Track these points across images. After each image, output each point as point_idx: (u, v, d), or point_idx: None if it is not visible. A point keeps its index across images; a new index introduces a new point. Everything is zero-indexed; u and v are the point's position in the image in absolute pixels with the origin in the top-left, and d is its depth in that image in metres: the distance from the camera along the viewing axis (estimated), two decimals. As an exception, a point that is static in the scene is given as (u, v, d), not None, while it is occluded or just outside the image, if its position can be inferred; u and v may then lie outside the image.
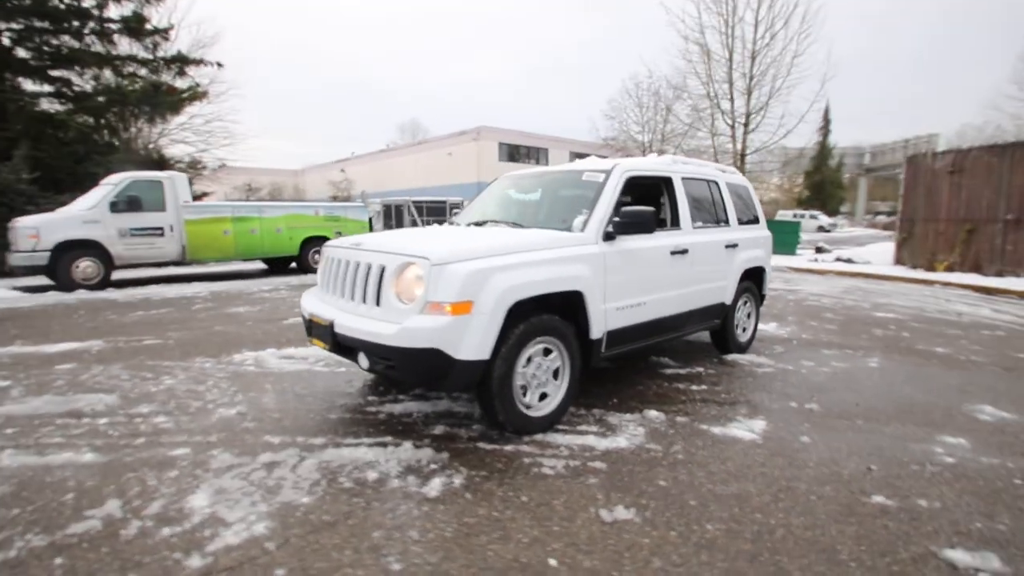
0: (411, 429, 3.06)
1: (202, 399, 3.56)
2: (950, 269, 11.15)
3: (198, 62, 15.35)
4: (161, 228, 9.43)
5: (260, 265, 12.71)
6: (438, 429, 3.06)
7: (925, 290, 9.60)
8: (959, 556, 1.96)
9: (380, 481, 2.46)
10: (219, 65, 15.51)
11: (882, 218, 42.53)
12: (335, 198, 27.43)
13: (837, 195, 45.51)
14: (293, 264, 11.91)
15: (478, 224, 3.78)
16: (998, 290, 9.16)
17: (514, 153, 34.26)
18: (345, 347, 2.87)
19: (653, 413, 3.32)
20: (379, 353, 2.66)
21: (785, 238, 17.44)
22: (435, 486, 2.42)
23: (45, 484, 2.43)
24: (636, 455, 2.77)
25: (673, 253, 3.82)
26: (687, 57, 17.78)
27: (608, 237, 3.33)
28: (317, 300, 3.35)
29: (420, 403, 3.47)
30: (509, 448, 2.82)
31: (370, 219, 12.86)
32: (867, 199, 47.34)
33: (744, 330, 4.91)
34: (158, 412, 3.33)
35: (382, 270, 2.81)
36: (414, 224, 23.57)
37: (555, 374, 3.07)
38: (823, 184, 43.58)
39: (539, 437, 2.95)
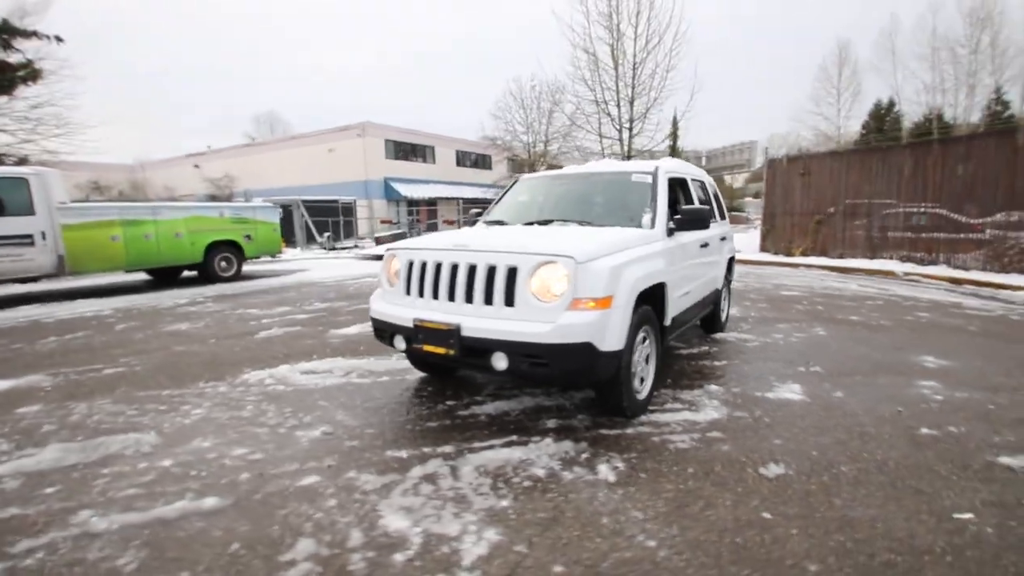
0: (525, 426, 3.11)
1: (263, 425, 3.19)
2: (804, 254, 13.59)
3: (28, 34, 12.57)
4: (30, 236, 7.71)
5: (143, 276, 10.92)
6: (551, 423, 3.16)
7: (795, 272, 11.64)
8: (1012, 461, 2.66)
9: (552, 475, 2.53)
10: (59, 40, 12.87)
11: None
12: (214, 197, 24.28)
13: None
14: (192, 272, 10.48)
15: (542, 223, 3.88)
16: (848, 269, 11.46)
17: (401, 150, 33.34)
18: (474, 350, 2.84)
19: (713, 387, 3.77)
20: (527, 352, 2.70)
21: None
22: (605, 472, 2.56)
23: (191, 540, 2.08)
24: (734, 422, 3.17)
25: (701, 246, 4.31)
26: (575, 64, 19.03)
27: (670, 232, 3.69)
28: (406, 307, 3.21)
29: (506, 402, 3.50)
30: (630, 431, 3.04)
31: (280, 221, 11.78)
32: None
33: (723, 311, 5.64)
34: (226, 443, 2.93)
35: (511, 271, 2.83)
36: (308, 227, 21.84)
37: (646, 359, 3.34)
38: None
39: (645, 418, 3.21)
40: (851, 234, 12.81)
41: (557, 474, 2.54)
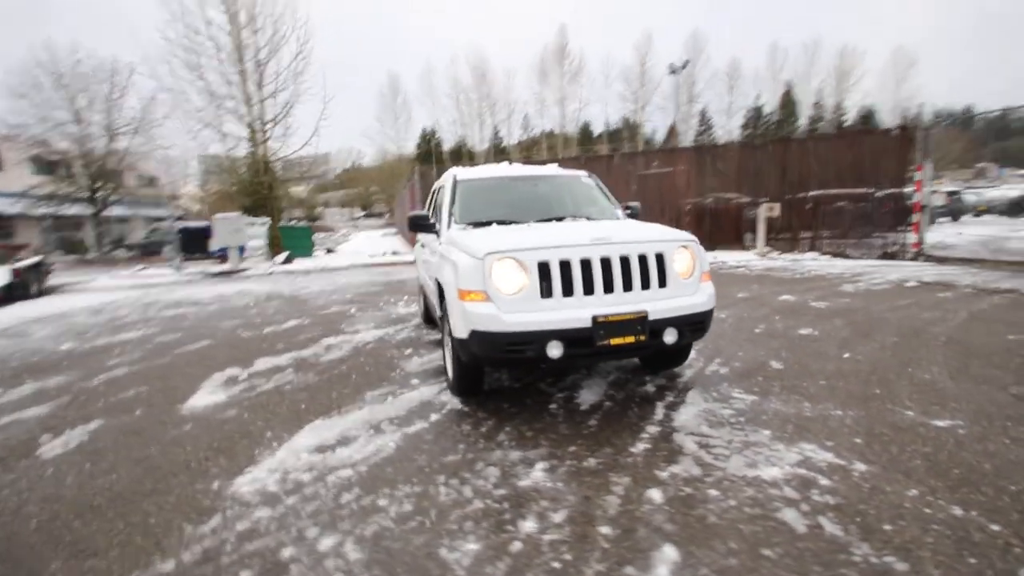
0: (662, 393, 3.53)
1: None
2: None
3: None
4: None
5: None
6: (652, 387, 3.67)
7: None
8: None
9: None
10: None
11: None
12: None
13: (274, 203, 49.31)
14: None
15: (556, 219, 4.06)
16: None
17: None
18: (654, 331, 3.09)
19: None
20: (693, 321, 3.22)
21: (301, 242, 19.19)
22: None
23: None
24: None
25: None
26: (186, 44, 15.74)
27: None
28: (554, 310, 3.00)
29: (591, 391, 3.70)
30: (689, 371, 3.95)
31: None
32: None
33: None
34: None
35: (659, 256, 3.23)
36: None
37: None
38: (259, 191, 46.11)
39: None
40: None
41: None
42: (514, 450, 2.83)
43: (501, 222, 3.97)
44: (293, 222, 36.17)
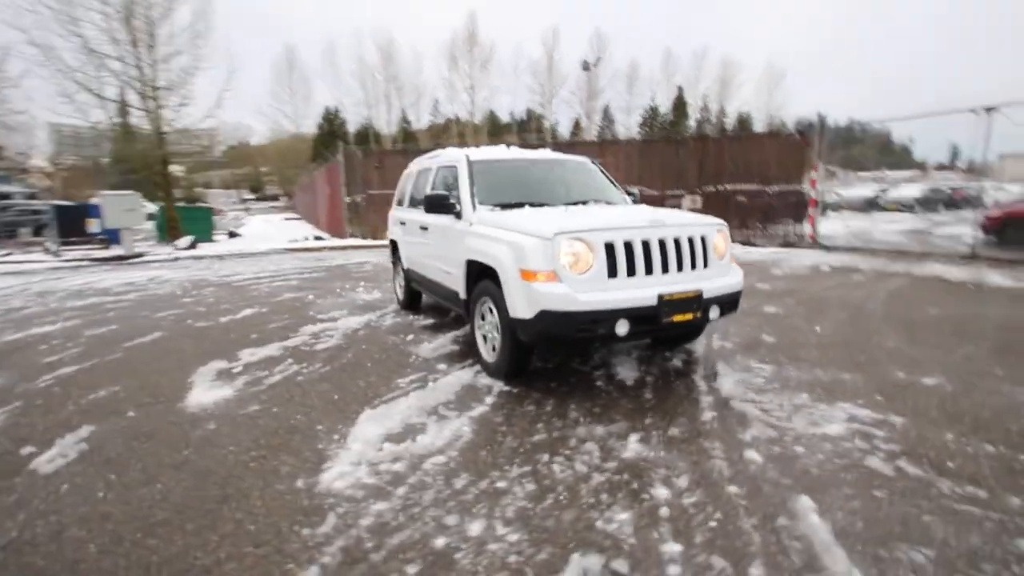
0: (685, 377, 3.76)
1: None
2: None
3: None
4: None
5: None
6: (679, 362, 3.92)
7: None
8: (770, 310, 5.70)
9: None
10: None
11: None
12: None
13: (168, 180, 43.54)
14: None
15: (581, 203, 4.13)
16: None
17: None
18: (704, 309, 3.31)
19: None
20: (732, 300, 3.50)
21: (201, 225, 17.37)
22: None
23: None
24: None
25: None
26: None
27: (632, 206, 4.87)
28: (619, 289, 3.10)
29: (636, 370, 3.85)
30: (703, 343, 4.26)
31: None
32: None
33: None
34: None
35: (703, 239, 3.45)
36: None
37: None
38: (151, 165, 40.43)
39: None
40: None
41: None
42: (594, 425, 2.90)
43: (532, 204, 3.98)
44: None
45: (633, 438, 2.73)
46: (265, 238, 18.26)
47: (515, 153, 4.84)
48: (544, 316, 3.07)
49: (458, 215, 4.15)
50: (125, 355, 4.51)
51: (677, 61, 50.04)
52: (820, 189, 12.27)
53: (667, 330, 3.39)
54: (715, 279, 3.46)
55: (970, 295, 6.29)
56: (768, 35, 65.04)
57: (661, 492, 2.25)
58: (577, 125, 47.41)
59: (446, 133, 47.38)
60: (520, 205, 3.98)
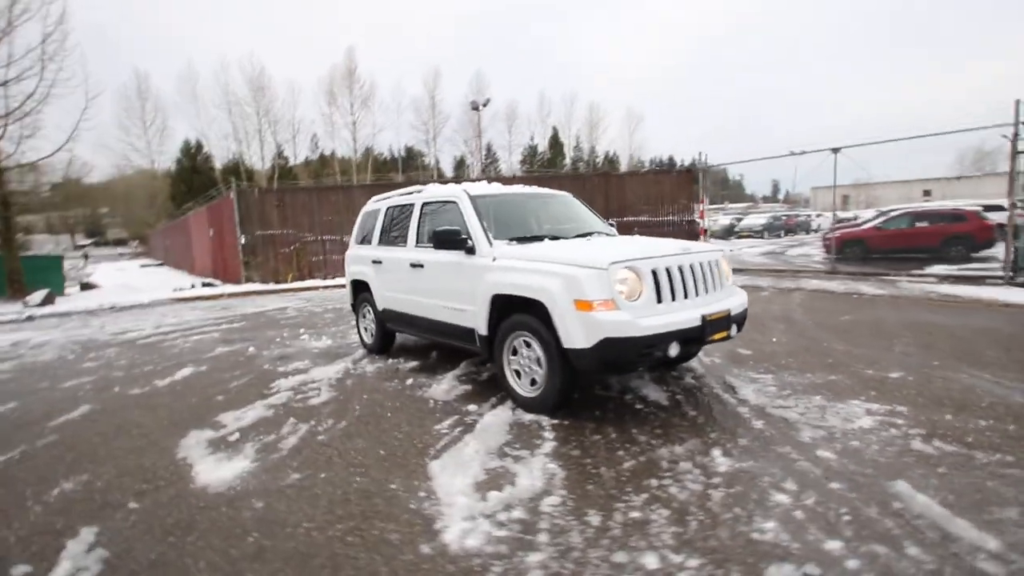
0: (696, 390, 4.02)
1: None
2: (295, 279, 14.63)
3: None
4: None
5: None
6: (692, 379, 4.18)
7: (309, 294, 12.74)
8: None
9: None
10: None
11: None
12: None
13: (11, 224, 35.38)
14: None
15: (585, 235, 4.28)
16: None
17: None
18: (731, 326, 3.62)
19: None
20: (744, 317, 3.87)
21: (51, 276, 14.73)
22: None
23: None
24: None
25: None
26: None
27: (611, 236, 5.16)
28: (668, 312, 3.28)
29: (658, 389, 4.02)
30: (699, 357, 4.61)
31: None
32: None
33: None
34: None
35: (716, 263, 3.79)
36: None
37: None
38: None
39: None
40: (331, 258, 15.05)
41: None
42: (670, 446, 3.00)
43: (549, 238, 4.06)
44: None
45: (716, 452, 2.88)
46: (133, 289, 15.80)
47: (508, 188, 4.90)
48: (606, 343, 3.13)
49: (470, 251, 4.08)
50: (61, 437, 3.64)
51: (550, 103, 54.02)
52: (708, 218, 13.98)
53: (697, 349, 3.65)
54: (730, 299, 3.81)
55: (859, 302, 7.57)
56: (624, 86, 73.38)
57: (781, 497, 2.40)
58: (462, 163, 48.50)
59: (327, 169, 45.61)
60: (539, 238, 4.05)
